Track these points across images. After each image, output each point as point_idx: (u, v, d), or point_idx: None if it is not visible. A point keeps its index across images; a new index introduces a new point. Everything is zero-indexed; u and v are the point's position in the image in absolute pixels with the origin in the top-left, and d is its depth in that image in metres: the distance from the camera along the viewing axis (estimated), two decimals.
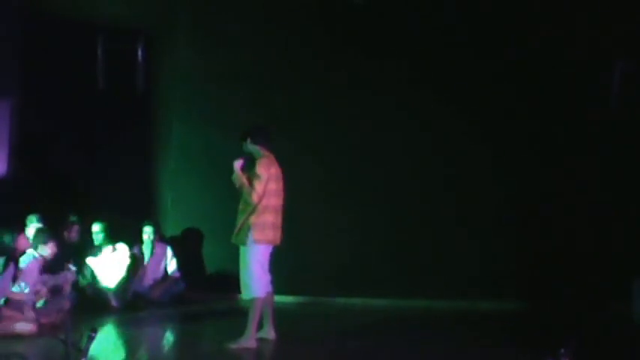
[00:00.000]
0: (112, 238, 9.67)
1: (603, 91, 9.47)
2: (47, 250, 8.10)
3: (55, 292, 8.29)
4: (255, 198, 7.11)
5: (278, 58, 10.22)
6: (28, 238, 8.50)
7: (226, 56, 10.30)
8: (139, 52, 10.03)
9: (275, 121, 9.76)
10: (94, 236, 9.67)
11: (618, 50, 9.46)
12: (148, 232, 9.88)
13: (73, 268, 8.59)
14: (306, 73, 10.15)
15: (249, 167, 7.33)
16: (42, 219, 8.97)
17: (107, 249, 9.64)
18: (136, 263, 9.75)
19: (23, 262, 8.05)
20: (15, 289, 7.84)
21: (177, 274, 9.97)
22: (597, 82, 9.54)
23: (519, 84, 9.92)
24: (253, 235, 7.15)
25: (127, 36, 10.09)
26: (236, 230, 7.27)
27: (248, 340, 7.20)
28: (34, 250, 8.10)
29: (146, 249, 9.90)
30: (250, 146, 7.38)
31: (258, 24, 10.24)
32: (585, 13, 9.59)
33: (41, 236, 8.17)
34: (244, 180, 7.21)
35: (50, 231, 8.39)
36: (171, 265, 10.00)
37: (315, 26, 10.14)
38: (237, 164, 7.29)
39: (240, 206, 7.29)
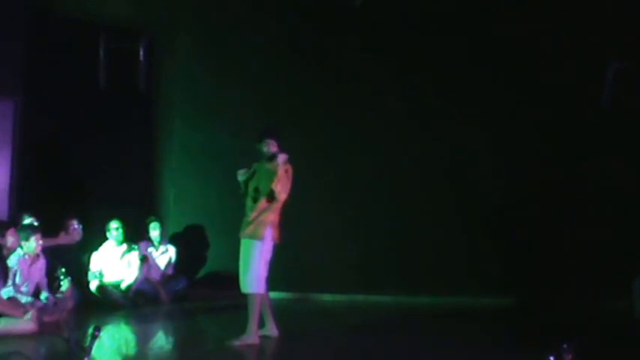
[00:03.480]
0: (127, 238, 9.70)
1: (598, 90, 9.47)
2: (32, 245, 8.10)
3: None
4: (282, 196, 7.15)
5: (279, 56, 10.23)
6: (18, 237, 8.40)
7: (228, 55, 10.33)
8: (141, 52, 10.06)
9: (276, 120, 9.79)
10: (113, 233, 9.65)
11: (612, 49, 9.46)
12: (156, 229, 9.90)
13: (63, 277, 8.55)
14: (308, 72, 10.16)
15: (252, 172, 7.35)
16: (35, 217, 8.94)
17: (122, 247, 9.67)
18: (145, 264, 9.78)
19: (12, 261, 8.06)
20: (4, 291, 7.85)
21: (172, 272, 10.02)
22: (593, 81, 9.54)
23: (520, 83, 9.91)
24: (272, 232, 7.21)
25: (129, 35, 10.10)
26: (247, 225, 7.27)
27: (250, 337, 7.21)
28: (21, 248, 8.11)
29: (152, 246, 9.92)
30: (274, 148, 7.30)
31: (260, 23, 10.25)
32: (580, 12, 9.59)
33: (24, 233, 8.17)
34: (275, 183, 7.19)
35: (33, 226, 8.37)
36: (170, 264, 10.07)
37: (316, 25, 10.14)
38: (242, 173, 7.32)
39: (249, 203, 7.29)
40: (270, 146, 7.31)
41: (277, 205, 7.21)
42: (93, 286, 9.50)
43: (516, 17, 9.78)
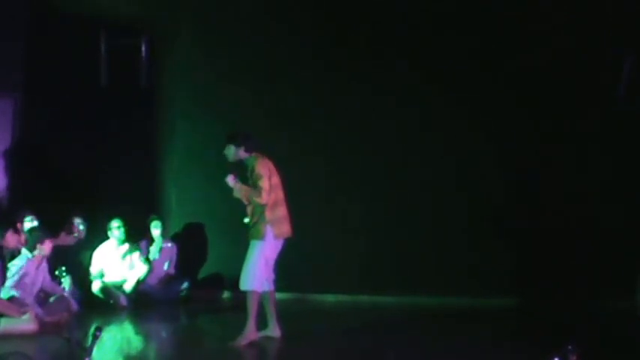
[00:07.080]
0: (129, 237, 9.67)
1: (611, 86, 9.47)
2: (45, 248, 8.08)
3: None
4: (264, 196, 7.14)
5: (281, 55, 10.21)
6: (18, 237, 8.28)
7: (230, 53, 10.30)
8: (143, 49, 10.04)
9: (278, 118, 9.79)
10: (114, 232, 9.61)
11: (629, 45, 9.46)
12: (158, 228, 9.87)
13: (64, 276, 8.53)
14: (310, 70, 10.15)
15: (241, 174, 7.35)
16: (37, 217, 8.90)
17: (123, 247, 9.64)
18: (149, 266, 9.77)
19: (15, 263, 8.02)
20: (4, 292, 7.83)
21: (174, 272, 10.01)
22: (606, 78, 9.54)
23: (525, 81, 9.89)
24: (273, 230, 7.21)
25: (130, 33, 10.09)
26: (249, 227, 7.29)
27: (250, 334, 7.22)
28: (30, 251, 8.06)
29: (155, 245, 9.90)
30: (243, 154, 7.33)
31: (262, 21, 10.23)
32: (581, 11, 9.59)
33: (36, 236, 8.13)
34: (246, 188, 7.22)
35: (44, 229, 8.34)
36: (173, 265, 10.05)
37: (318, 23, 10.12)
38: (231, 179, 7.29)
39: (249, 208, 7.30)
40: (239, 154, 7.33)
41: (271, 203, 7.19)
42: (94, 286, 9.48)
43: (517, 17, 9.77)
